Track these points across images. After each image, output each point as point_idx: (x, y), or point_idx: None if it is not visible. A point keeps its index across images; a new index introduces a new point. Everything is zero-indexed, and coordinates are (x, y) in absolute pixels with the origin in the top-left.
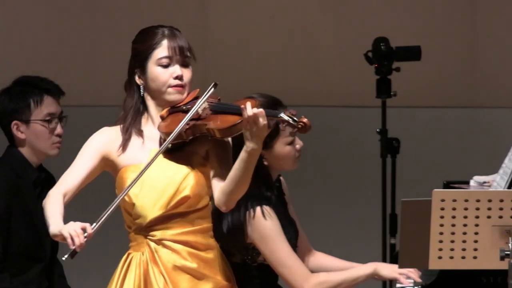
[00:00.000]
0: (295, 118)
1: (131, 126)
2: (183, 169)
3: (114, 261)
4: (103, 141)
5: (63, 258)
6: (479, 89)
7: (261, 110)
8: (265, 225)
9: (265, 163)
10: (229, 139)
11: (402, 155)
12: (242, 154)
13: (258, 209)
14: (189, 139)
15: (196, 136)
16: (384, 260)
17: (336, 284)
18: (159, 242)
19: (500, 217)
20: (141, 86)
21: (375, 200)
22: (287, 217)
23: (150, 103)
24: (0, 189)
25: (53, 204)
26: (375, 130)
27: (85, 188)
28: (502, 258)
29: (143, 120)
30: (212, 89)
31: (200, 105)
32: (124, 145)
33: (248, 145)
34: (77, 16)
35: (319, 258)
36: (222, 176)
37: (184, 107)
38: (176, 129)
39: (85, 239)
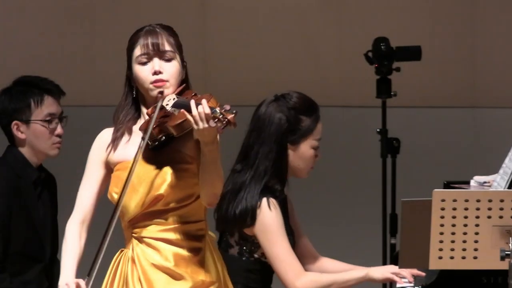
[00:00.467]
0: (224, 114)
1: (123, 125)
2: (160, 168)
3: None
4: (100, 146)
5: None
6: (479, 89)
7: (200, 106)
8: (269, 216)
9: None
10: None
11: (402, 155)
12: (201, 155)
13: (264, 200)
14: (159, 137)
15: (164, 135)
16: (384, 260)
17: (326, 284)
18: (141, 239)
19: (501, 217)
20: (134, 87)
21: (375, 200)
22: (288, 225)
23: (142, 102)
24: (0, 189)
25: (67, 247)
26: (375, 130)
27: None
28: (502, 258)
29: (139, 121)
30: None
31: (157, 113)
32: (114, 144)
33: (201, 143)
34: (78, 16)
35: (324, 263)
36: None
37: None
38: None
39: None
